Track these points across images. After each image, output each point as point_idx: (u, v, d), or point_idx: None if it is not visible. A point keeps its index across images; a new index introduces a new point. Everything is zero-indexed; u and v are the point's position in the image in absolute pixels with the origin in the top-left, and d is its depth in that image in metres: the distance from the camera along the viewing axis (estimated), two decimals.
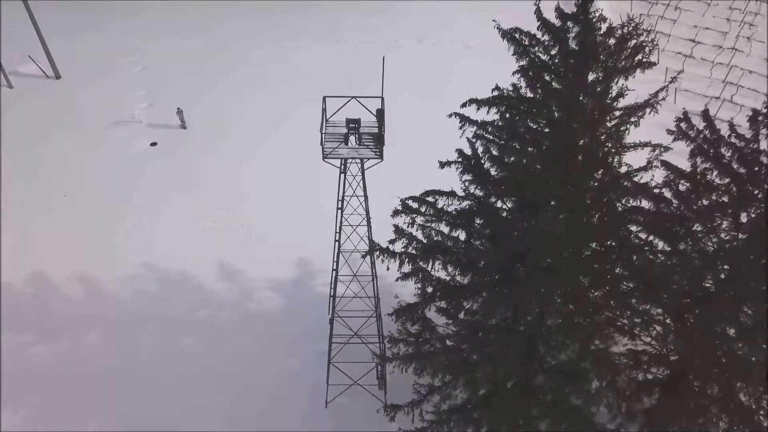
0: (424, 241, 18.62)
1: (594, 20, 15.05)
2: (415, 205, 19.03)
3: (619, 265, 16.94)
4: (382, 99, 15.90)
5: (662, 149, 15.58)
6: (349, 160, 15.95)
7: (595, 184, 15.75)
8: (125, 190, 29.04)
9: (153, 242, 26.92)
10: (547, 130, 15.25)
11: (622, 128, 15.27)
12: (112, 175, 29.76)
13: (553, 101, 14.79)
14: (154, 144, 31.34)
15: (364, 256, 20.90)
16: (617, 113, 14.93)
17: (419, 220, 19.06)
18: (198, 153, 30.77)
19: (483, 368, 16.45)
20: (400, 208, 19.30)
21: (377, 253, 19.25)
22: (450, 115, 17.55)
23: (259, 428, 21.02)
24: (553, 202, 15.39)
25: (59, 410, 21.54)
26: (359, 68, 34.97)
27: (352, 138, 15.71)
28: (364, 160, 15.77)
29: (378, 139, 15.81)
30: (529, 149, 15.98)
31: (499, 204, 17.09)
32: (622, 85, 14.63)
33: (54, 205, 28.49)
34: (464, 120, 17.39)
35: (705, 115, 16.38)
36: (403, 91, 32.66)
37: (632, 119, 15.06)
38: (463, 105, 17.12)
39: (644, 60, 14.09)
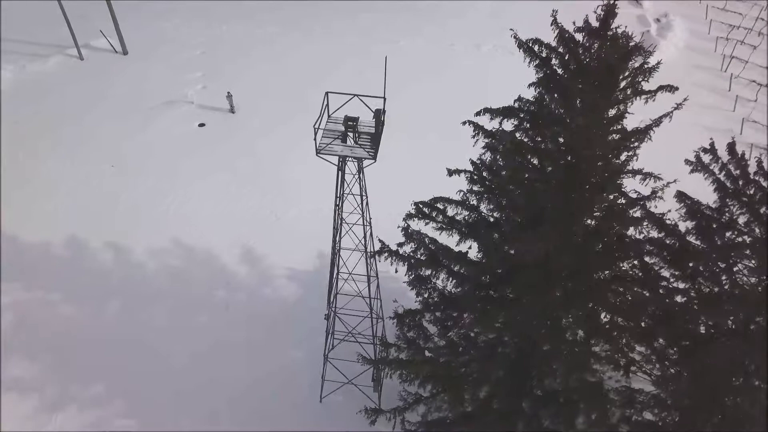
0: (432, 248, 18.37)
1: (619, 38, 14.25)
2: (425, 210, 18.82)
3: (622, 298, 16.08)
4: (384, 99, 15.71)
5: (655, 179, 14.60)
6: (348, 158, 15.85)
7: (602, 207, 14.97)
8: (168, 167, 30.09)
9: (185, 219, 27.78)
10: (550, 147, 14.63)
11: (627, 153, 14.40)
12: (158, 150, 30.91)
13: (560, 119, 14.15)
14: (201, 125, 32.35)
15: (372, 256, 20.78)
16: (616, 137, 14.07)
17: (431, 225, 18.84)
18: (242, 137, 31.50)
19: (465, 384, 16.06)
20: (413, 211, 19.15)
21: (386, 254, 19.16)
22: (464, 123, 17.14)
23: (252, 415, 21.31)
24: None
25: (71, 369, 22.62)
26: (411, 68, 34.91)
27: (350, 136, 15.60)
28: (362, 158, 15.62)
29: (374, 140, 15.65)
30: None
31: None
32: (623, 108, 13.79)
33: (101, 173, 29.88)
34: (478, 129, 16.95)
35: (731, 148, 15.27)
36: (438, 95, 32.40)
37: (632, 144, 14.15)
38: (477, 113, 16.65)
39: (640, 83, 13.18)
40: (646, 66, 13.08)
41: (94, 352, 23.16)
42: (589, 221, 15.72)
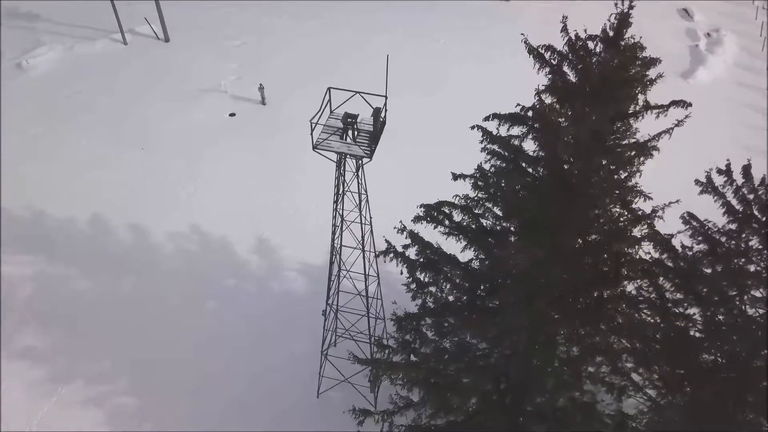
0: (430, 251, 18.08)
1: (633, 48, 13.68)
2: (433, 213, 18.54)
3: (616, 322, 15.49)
4: (385, 98, 15.53)
5: (645, 197, 13.95)
6: (347, 156, 15.74)
7: (599, 222, 14.43)
8: (196, 153, 30.61)
9: (207, 206, 28.23)
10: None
11: (630, 169, 13.81)
12: (188, 137, 31.48)
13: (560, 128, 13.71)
14: (232, 115, 32.80)
15: (377, 256, 20.67)
16: (618, 150, 13.49)
17: (438, 230, 18.56)
18: (270, 130, 31.79)
19: (450, 392, 15.73)
20: (422, 214, 18.90)
21: (391, 255, 18.96)
22: (472, 127, 16.82)
23: (250, 407, 21.45)
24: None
25: (81, 343, 23.27)
26: (444, 67, 34.67)
27: (350, 133, 15.47)
28: (358, 156, 15.47)
29: (372, 138, 15.48)
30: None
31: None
32: (633, 122, 13.22)
33: (131, 156, 30.62)
34: (486, 134, 16.60)
35: (745, 171, 14.50)
36: (458, 99, 31.96)
37: (634, 160, 13.54)
38: (486, 118, 16.33)
39: (637, 95, 12.58)
40: (645, 78, 12.51)
41: (104, 329, 23.76)
42: (593, 236, 15.24)
